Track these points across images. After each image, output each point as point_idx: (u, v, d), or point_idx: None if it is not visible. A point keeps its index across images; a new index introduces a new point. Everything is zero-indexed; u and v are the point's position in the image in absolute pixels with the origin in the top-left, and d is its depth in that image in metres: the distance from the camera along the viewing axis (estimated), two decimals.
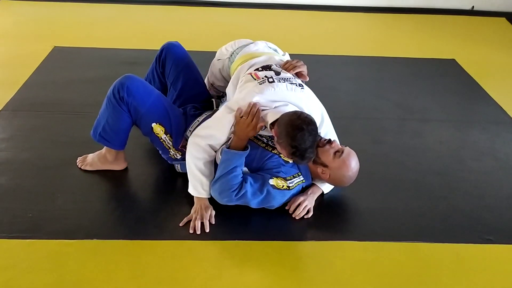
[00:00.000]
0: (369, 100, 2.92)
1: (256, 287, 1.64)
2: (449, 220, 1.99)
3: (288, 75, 1.98)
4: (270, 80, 1.91)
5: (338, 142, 2.01)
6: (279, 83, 1.90)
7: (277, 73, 1.97)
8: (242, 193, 1.83)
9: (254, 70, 2.01)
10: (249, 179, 1.86)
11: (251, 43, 2.27)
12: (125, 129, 2.03)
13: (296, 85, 1.94)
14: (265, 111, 1.86)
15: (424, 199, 2.10)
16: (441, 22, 4.25)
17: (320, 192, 2.03)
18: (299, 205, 1.94)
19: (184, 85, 2.26)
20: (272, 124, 1.83)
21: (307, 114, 1.78)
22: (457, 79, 3.26)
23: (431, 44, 3.78)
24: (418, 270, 1.74)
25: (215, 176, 1.88)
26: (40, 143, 2.32)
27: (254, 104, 1.83)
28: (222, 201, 1.87)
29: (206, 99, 2.30)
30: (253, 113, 1.82)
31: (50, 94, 2.75)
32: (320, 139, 1.92)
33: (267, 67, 2.02)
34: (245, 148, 1.88)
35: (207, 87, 2.38)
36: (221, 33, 3.71)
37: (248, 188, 1.84)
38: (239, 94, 1.94)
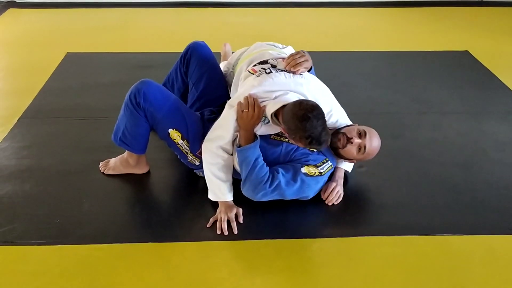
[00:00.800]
0: (385, 95, 2.90)
1: (288, 286, 1.64)
2: (477, 212, 1.98)
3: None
4: (268, 71, 1.93)
5: (354, 130, 1.95)
6: (277, 73, 1.91)
7: (274, 66, 1.98)
8: (275, 183, 1.83)
9: (252, 66, 2.03)
10: (280, 170, 1.86)
11: (247, 49, 2.28)
12: (144, 134, 2.03)
13: (294, 73, 1.93)
14: (264, 102, 1.85)
15: (449, 192, 2.09)
16: (451, 14, 4.24)
17: (343, 172, 2.06)
18: (332, 191, 1.96)
19: (207, 87, 2.23)
20: (276, 115, 1.82)
21: (307, 100, 1.77)
22: (472, 70, 3.24)
23: (443, 37, 3.76)
24: (449, 263, 1.73)
25: (242, 178, 1.87)
26: (61, 149, 2.32)
27: (250, 95, 1.84)
28: (257, 197, 1.86)
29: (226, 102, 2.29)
30: (252, 103, 1.82)
31: (67, 100, 2.76)
32: (339, 140, 1.93)
33: (263, 62, 2.03)
34: (255, 139, 1.87)
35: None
36: (234, 33, 3.72)
37: (281, 178, 1.83)
38: (240, 90, 1.96)
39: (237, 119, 1.87)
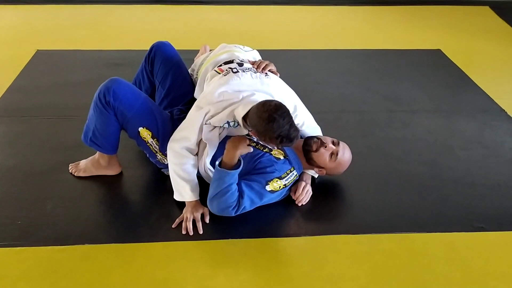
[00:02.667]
0: (357, 93, 2.92)
1: (252, 285, 1.63)
2: (441, 209, 2.00)
3: (250, 66, 2.00)
4: (234, 70, 1.94)
5: (329, 138, 2.00)
6: (244, 73, 1.93)
7: (240, 65, 1.99)
8: (241, 209, 1.83)
9: (218, 66, 2.03)
10: (246, 192, 1.83)
11: (213, 53, 2.29)
12: (114, 133, 2.00)
13: (260, 73, 1.97)
14: (233, 105, 1.84)
15: (415, 190, 2.11)
16: (425, 13, 4.27)
17: (310, 175, 2.06)
18: (302, 190, 1.96)
19: (173, 84, 2.24)
20: (244, 118, 1.81)
21: (270, 100, 1.76)
22: (443, 69, 3.28)
23: (416, 35, 3.79)
24: (412, 261, 1.75)
25: (210, 193, 1.83)
26: (27, 149, 2.28)
27: (245, 139, 1.83)
28: (220, 214, 1.86)
29: (194, 99, 2.28)
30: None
31: (35, 99, 2.71)
32: (313, 143, 1.95)
33: (229, 62, 2.04)
34: (237, 163, 1.82)
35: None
36: (207, 31, 3.70)
37: (247, 203, 1.83)
38: (206, 88, 1.95)
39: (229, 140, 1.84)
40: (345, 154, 2.00)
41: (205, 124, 1.88)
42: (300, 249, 1.80)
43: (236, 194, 1.81)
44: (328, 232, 1.87)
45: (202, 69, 2.18)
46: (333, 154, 1.96)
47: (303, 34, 3.79)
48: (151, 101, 2.06)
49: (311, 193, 2.00)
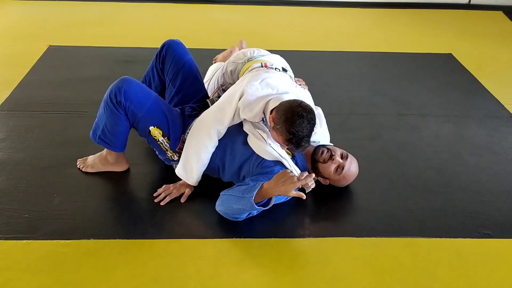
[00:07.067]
0: (366, 96, 2.90)
1: (254, 285, 1.63)
2: (447, 215, 1.99)
3: (292, 75, 2.12)
4: (277, 70, 2.05)
5: (338, 150, 1.99)
6: (285, 74, 2.05)
7: (284, 70, 2.12)
8: (248, 216, 1.85)
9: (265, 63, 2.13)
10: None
11: (268, 54, 2.32)
12: (124, 132, 2.02)
13: (298, 85, 2.09)
14: (267, 98, 1.86)
15: (421, 195, 2.09)
16: (437, 17, 4.24)
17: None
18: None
19: (183, 82, 2.25)
20: (270, 112, 1.83)
21: (307, 103, 1.81)
22: (454, 73, 3.25)
23: (428, 39, 3.76)
24: (416, 266, 1.74)
25: (222, 207, 1.83)
26: (36, 143, 2.30)
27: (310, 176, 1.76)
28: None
29: (204, 97, 2.29)
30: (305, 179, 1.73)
31: (46, 94, 2.73)
32: (322, 154, 1.96)
33: (274, 65, 2.12)
34: (267, 201, 1.79)
35: (214, 89, 2.41)
36: (218, 31, 3.71)
37: (254, 212, 1.84)
38: (248, 74, 2.02)
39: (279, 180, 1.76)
40: (351, 168, 1.98)
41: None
42: (303, 251, 1.79)
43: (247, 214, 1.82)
44: (333, 234, 1.86)
45: (247, 66, 2.17)
46: (339, 168, 1.95)
47: (313, 35, 3.78)
48: (162, 100, 2.08)
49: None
